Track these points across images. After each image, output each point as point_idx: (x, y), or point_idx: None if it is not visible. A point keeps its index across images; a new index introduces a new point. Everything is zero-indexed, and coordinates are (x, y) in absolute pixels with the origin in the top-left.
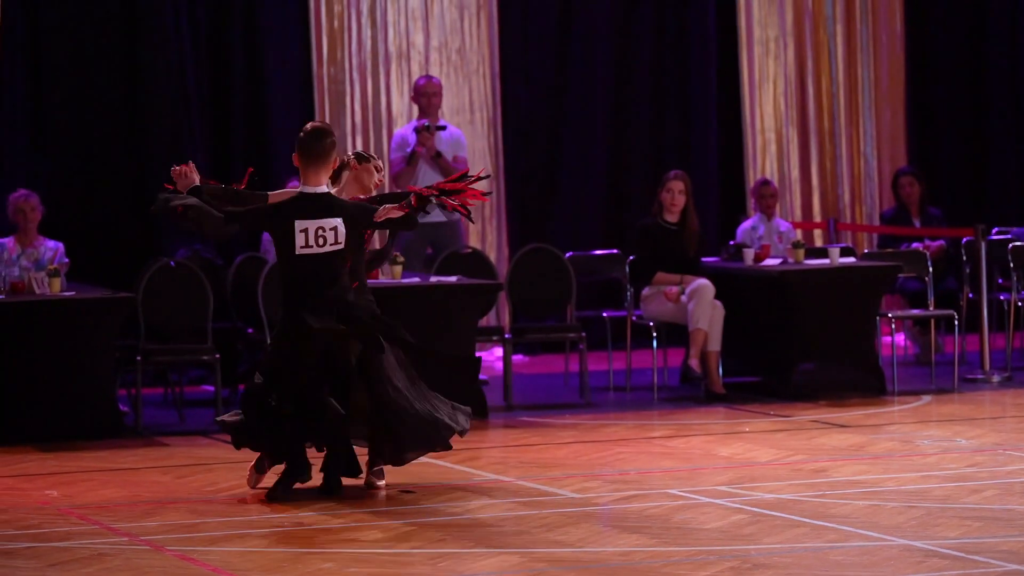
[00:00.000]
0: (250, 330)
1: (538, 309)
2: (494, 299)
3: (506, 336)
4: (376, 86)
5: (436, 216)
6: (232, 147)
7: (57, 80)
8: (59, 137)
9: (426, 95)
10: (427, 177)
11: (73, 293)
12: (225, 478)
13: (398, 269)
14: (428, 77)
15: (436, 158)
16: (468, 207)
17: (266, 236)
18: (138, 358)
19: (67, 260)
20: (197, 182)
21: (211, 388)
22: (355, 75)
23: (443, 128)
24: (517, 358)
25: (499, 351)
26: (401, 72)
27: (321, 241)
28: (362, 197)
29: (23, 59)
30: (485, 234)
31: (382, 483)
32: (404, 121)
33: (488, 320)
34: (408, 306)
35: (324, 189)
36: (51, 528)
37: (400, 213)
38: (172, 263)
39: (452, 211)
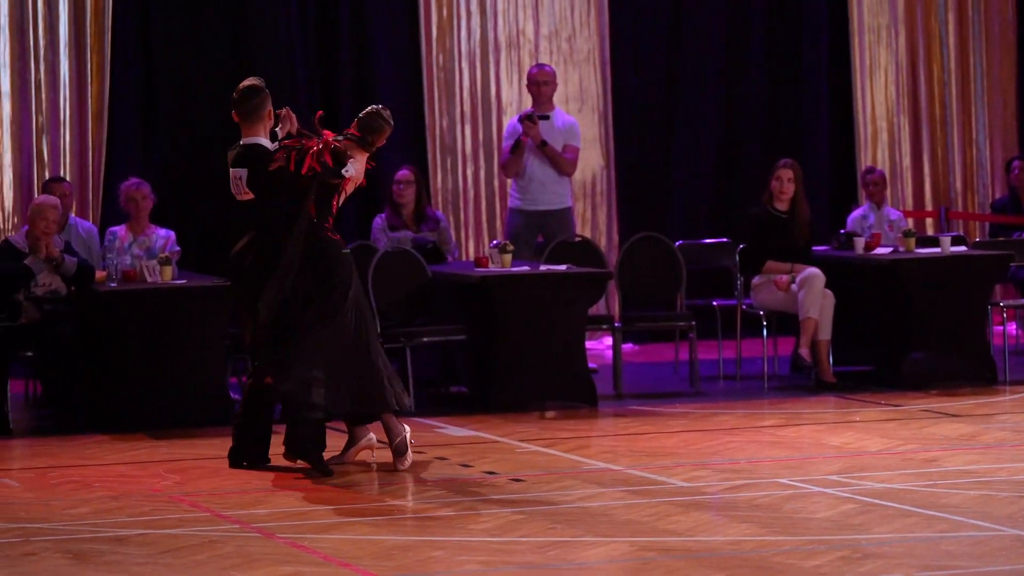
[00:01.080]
0: None
1: (648, 298)
2: (604, 288)
3: (616, 325)
4: (485, 74)
5: (546, 204)
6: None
7: (168, 70)
8: (170, 126)
9: (537, 83)
10: (533, 167)
11: (184, 281)
12: (345, 466)
13: (508, 257)
14: (540, 65)
15: (542, 147)
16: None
17: (376, 223)
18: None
19: (178, 248)
20: (292, 130)
21: None
22: (464, 63)
23: (546, 117)
24: (627, 347)
25: (609, 340)
26: (511, 60)
27: (236, 189)
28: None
29: (135, 50)
30: (595, 223)
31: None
32: (514, 110)
33: (598, 309)
34: (518, 294)
35: (252, 140)
36: (163, 515)
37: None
38: None
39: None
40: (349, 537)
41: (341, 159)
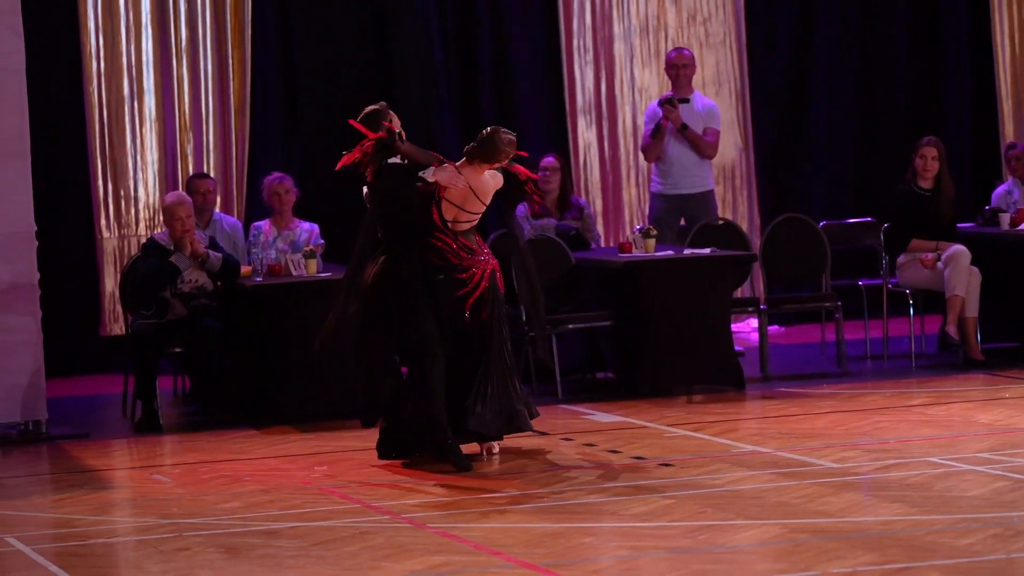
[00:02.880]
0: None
1: (793, 279)
2: (748, 270)
3: (761, 307)
4: (622, 60)
5: (688, 188)
6: (482, 127)
7: (308, 63)
8: (311, 119)
9: (676, 67)
10: (674, 151)
11: (330, 274)
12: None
13: (651, 242)
14: (679, 49)
15: (682, 130)
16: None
17: (519, 211)
18: None
19: (322, 241)
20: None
21: None
22: (601, 50)
23: (686, 101)
24: (773, 329)
25: (754, 322)
26: (647, 46)
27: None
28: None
29: (275, 44)
30: (737, 205)
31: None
32: (656, 94)
33: (743, 291)
34: (662, 279)
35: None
36: (314, 508)
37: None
38: None
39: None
40: (499, 525)
41: (386, 148)
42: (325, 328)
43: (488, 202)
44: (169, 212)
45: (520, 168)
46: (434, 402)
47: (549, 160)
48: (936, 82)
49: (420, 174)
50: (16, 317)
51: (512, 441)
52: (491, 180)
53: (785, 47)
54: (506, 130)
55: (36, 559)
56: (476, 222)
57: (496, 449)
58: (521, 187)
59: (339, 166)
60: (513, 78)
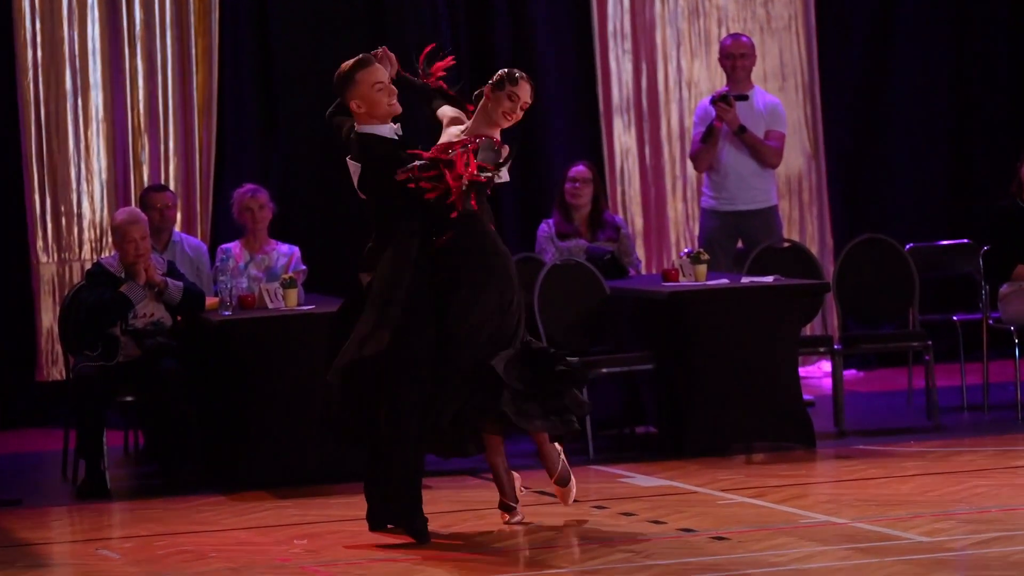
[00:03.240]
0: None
1: (873, 313)
2: (820, 302)
3: (835, 347)
4: (666, 49)
5: (747, 203)
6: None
7: (290, 56)
8: (291, 121)
9: (732, 57)
10: (730, 158)
11: (313, 307)
12: (498, 523)
13: (702, 269)
14: (736, 36)
15: (740, 133)
16: (453, 186)
17: (542, 231)
18: None
19: (304, 267)
20: (391, 75)
21: None
22: (641, 38)
23: (745, 98)
24: (849, 373)
25: (827, 365)
26: (696, 32)
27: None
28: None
29: (248, 31)
30: (804, 224)
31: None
32: (706, 90)
33: (813, 328)
34: (715, 313)
35: (366, 129)
36: None
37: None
38: None
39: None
40: None
41: (492, 168)
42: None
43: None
44: (121, 231)
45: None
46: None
47: (579, 169)
48: None
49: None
50: None
51: (536, 510)
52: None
53: (862, 33)
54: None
55: None
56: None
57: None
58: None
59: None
60: (536, 72)
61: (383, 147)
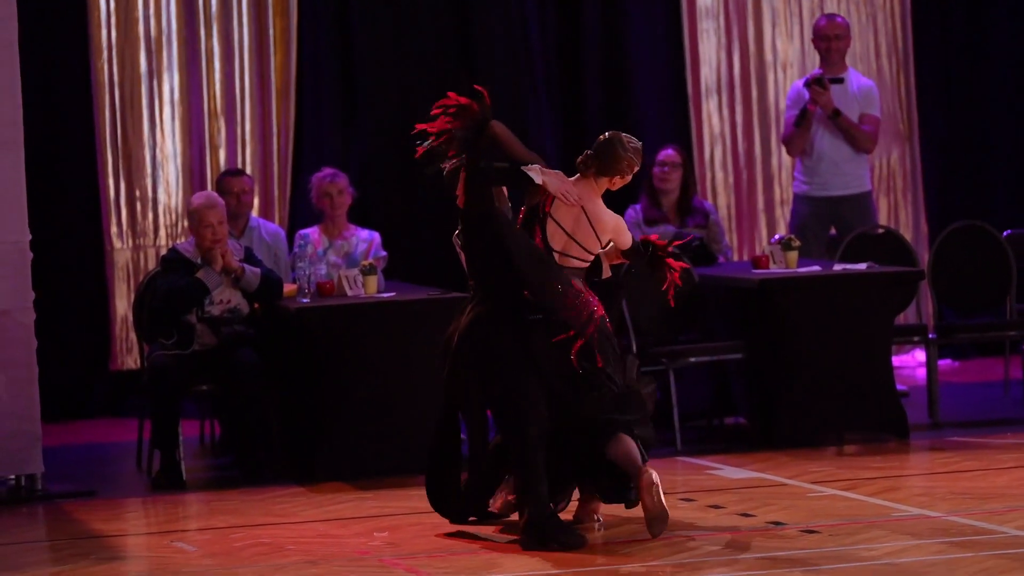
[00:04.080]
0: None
1: (969, 302)
2: (914, 290)
3: (930, 336)
4: (759, 29)
5: (840, 188)
6: (585, 117)
7: (371, 39)
8: (372, 104)
9: (827, 38)
10: (823, 142)
11: (393, 294)
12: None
13: (793, 256)
14: (830, 16)
15: (834, 117)
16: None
17: (629, 216)
18: None
19: (384, 253)
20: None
21: None
22: (733, 17)
23: (840, 81)
24: (944, 363)
25: (921, 355)
26: (791, 12)
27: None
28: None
29: (327, 9)
30: (899, 210)
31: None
32: (799, 73)
33: (907, 317)
34: (807, 301)
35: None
36: None
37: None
38: None
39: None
40: None
41: (477, 123)
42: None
43: (604, 245)
44: (197, 216)
45: (655, 238)
46: (532, 474)
47: (668, 153)
48: None
49: (524, 169)
50: (6, 348)
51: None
52: (610, 218)
53: (959, 14)
54: (630, 136)
55: None
56: (586, 267)
57: (599, 515)
58: (654, 259)
59: (419, 153)
60: (624, 53)
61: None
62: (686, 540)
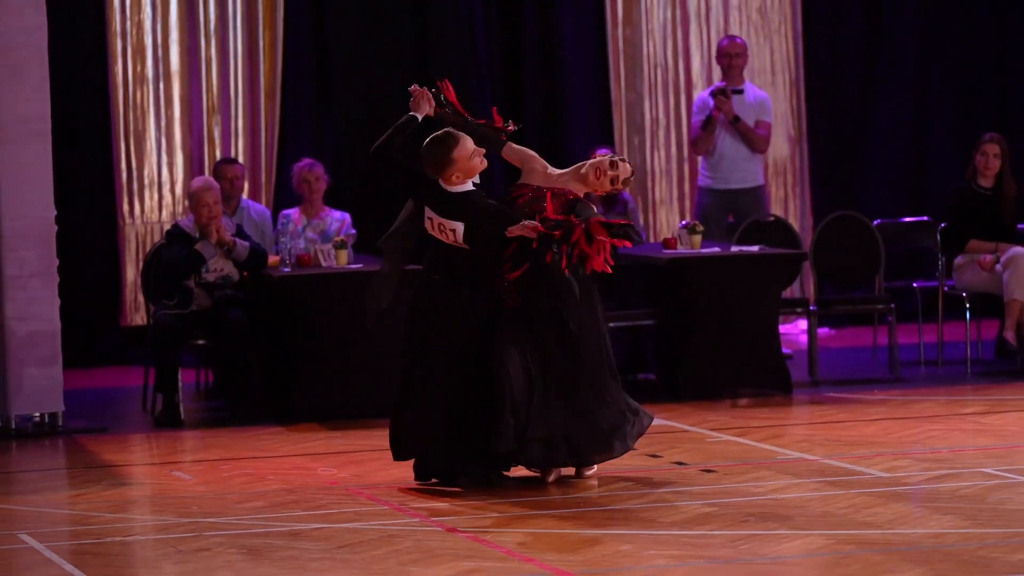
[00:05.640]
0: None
1: (844, 279)
2: (798, 269)
3: (811, 308)
4: (675, 48)
5: (738, 182)
6: (524, 112)
7: (342, 45)
8: (345, 103)
9: (728, 56)
10: (725, 144)
11: (361, 266)
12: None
13: (698, 238)
14: (731, 38)
15: (734, 123)
16: (610, 262)
17: None
18: None
19: (354, 231)
20: (421, 112)
21: None
22: (654, 35)
23: (740, 92)
24: (823, 331)
25: (803, 324)
26: (700, 32)
27: (445, 236)
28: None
29: (308, 24)
30: (788, 201)
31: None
32: (704, 84)
33: (792, 291)
34: (709, 276)
35: (460, 188)
36: (340, 509)
37: (532, 235)
38: None
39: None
40: (533, 531)
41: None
42: (372, 298)
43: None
44: (196, 197)
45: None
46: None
47: (602, 152)
48: (1002, 77)
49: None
50: (34, 305)
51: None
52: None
53: (844, 36)
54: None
55: (50, 556)
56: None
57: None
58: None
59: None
60: (559, 66)
61: (486, 204)
62: (602, 475)
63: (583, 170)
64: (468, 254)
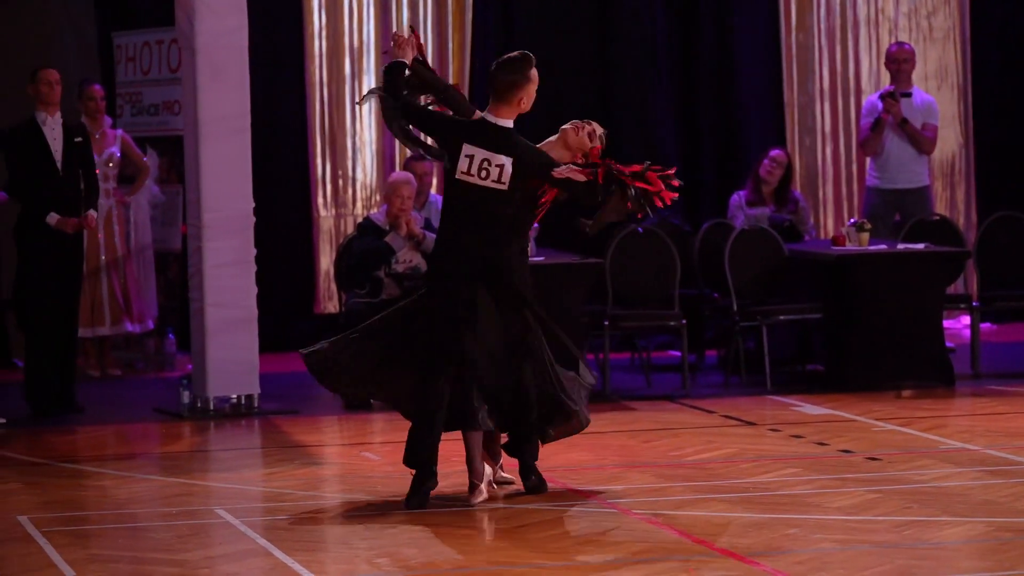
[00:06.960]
0: (716, 295)
1: (1007, 277)
2: (962, 267)
3: (974, 304)
4: (844, 52)
5: (905, 183)
6: (698, 113)
7: (529, 48)
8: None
9: (897, 61)
10: (892, 145)
11: (542, 258)
12: (691, 443)
13: (865, 236)
14: (900, 43)
15: (902, 125)
16: (656, 205)
17: (734, 200)
18: (605, 323)
19: (536, 225)
20: (407, 58)
21: (677, 353)
22: (823, 41)
23: (908, 95)
24: (985, 326)
25: (966, 319)
26: (870, 38)
27: (484, 174)
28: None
29: (495, 26)
30: (953, 201)
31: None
32: (872, 88)
33: (955, 288)
34: (875, 272)
35: (507, 124)
36: (517, 490)
37: (582, 177)
38: (640, 229)
39: (639, 205)
40: (704, 514)
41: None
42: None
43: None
44: (393, 188)
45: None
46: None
47: (779, 153)
48: None
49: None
50: (232, 293)
51: (719, 433)
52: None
53: (1012, 42)
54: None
55: (244, 531)
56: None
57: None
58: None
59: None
60: (734, 72)
61: (531, 144)
62: (771, 462)
63: (562, 135)
64: (494, 205)
